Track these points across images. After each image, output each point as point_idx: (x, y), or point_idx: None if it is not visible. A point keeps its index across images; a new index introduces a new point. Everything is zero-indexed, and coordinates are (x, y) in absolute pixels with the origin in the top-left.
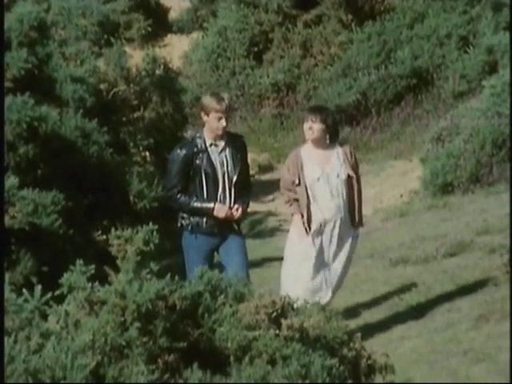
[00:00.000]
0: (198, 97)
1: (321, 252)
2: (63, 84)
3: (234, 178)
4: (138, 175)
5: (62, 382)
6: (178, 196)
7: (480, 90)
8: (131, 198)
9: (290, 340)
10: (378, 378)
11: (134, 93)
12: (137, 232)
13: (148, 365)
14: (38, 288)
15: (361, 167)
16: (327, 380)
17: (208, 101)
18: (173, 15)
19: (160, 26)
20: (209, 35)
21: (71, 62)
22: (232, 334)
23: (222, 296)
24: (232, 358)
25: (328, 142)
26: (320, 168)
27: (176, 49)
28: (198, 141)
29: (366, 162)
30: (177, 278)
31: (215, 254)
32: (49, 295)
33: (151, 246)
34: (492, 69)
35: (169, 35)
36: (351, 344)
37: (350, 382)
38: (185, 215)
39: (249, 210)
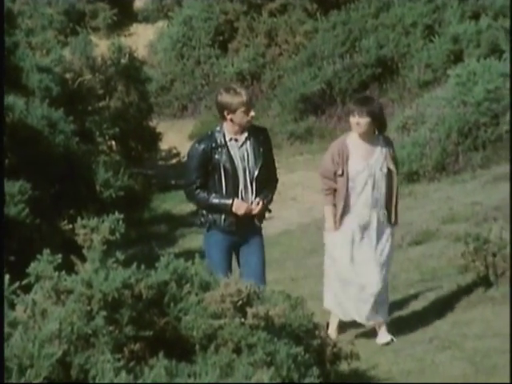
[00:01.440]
0: (163, 86)
1: (356, 249)
2: (30, 73)
3: (256, 173)
4: (104, 164)
5: (29, 370)
6: (197, 192)
7: (445, 79)
8: (97, 187)
9: (256, 328)
10: (344, 366)
11: (100, 82)
12: (103, 221)
13: (114, 353)
14: (6, 277)
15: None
16: (292, 368)
17: (229, 99)
18: (138, 4)
19: (125, 15)
20: (174, 24)
21: (37, 51)
22: (198, 322)
23: (188, 285)
24: (197, 346)
25: (372, 135)
26: (365, 160)
27: (141, 38)
28: (218, 135)
29: None
30: (143, 266)
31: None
32: (16, 284)
33: (117, 235)
34: (457, 58)
35: (134, 24)
36: (316, 332)
37: (315, 369)
38: (203, 212)
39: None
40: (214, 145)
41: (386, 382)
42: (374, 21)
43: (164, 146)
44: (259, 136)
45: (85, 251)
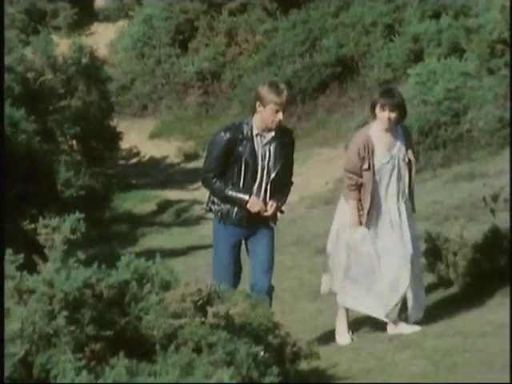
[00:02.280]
0: (123, 85)
1: (384, 242)
2: None
3: (272, 175)
4: (65, 164)
5: None
6: (214, 180)
7: (405, 78)
8: (59, 186)
9: (216, 328)
10: (303, 364)
11: (61, 81)
12: (64, 221)
13: (75, 353)
14: None
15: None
16: (252, 367)
17: (267, 92)
18: (99, 3)
19: (86, 14)
20: (134, 23)
21: None
22: (158, 322)
23: (149, 284)
24: (158, 345)
25: (393, 126)
26: (389, 152)
27: (102, 37)
28: (245, 127)
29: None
30: (103, 266)
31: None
32: None
33: (78, 234)
34: (417, 57)
35: (95, 23)
36: (276, 331)
37: (275, 368)
38: (215, 200)
39: (173, 198)
40: (240, 136)
41: (347, 382)
42: (333, 20)
43: (124, 145)
44: (284, 138)
45: (46, 251)
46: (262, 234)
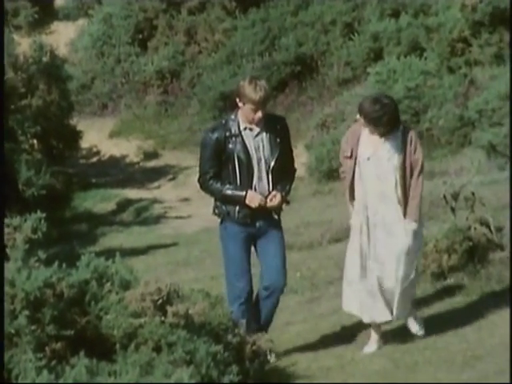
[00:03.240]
0: (83, 84)
1: (365, 242)
2: None
3: (272, 164)
4: (26, 163)
5: None
6: (210, 182)
7: (365, 76)
8: (20, 185)
9: (176, 327)
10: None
11: (22, 80)
12: (25, 220)
13: (36, 352)
14: None
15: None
16: (212, 366)
17: (245, 89)
18: (59, 2)
19: (46, 12)
20: (94, 22)
21: None
22: (118, 321)
23: (109, 284)
24: (118, 345)
25: (377, 133)
26: (373, 148)
27: (62, 36)
28: (232, 124)
29: None
30: (64, 266)
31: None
32: None
33: (39, 233)
34: (377, 56)
35: (55, 22)
36: (236, 330)
37: (234, 367)
38: (218, 203)
39: (133, 197)
40: (227, 134)
41: (307, 382)
42: (292, 19)
43: (85, 144)
44: (276, 125)
45: (8, 250)
46: (272, 233)
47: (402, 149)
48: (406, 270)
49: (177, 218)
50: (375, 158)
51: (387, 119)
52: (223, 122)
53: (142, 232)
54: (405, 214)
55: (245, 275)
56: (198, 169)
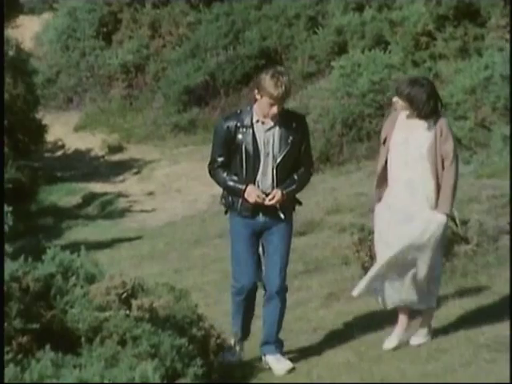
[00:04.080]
0: (48, 78)
1: (390, 226)
2: None
3: (278, 160)
4: None
5: None
6: (217, 171)
7: (329, 70)
8: None
9: (140, 320)
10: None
11: None
12: None
13: (2, 346)
14: None
15: (209, 147)
16: (176, 359)
17: (266, 83)
18: None
19: (11, 6)
20: (59, 16)
21: None
22: (83, 315)
23: (74, 277)
24: (83, 338)
25: (414, 116)
26: (404, 134)
27: (27, 30)
28: (246, 115)
29: None
30: (30, 259)
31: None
32: None
33: (6, 227)
34: (341, 49)
35: (20, 16)
36: (200, 323)
37: (199, 360)
38: (224, 193)
39: (98, 191)
40: (239, 124)
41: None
42: (256, 12)
43: (50, 138)
44: (292, 122)
45: None
46: (277, 229)
47: (433, 137)
48: (424, 261)
49: (141, 211)
50: (406, 144)
51: (427, 97)
52: (238, 111)
53: (106, 226)
54: (436, 206)
55: (249, 270)
56: (162, 163)
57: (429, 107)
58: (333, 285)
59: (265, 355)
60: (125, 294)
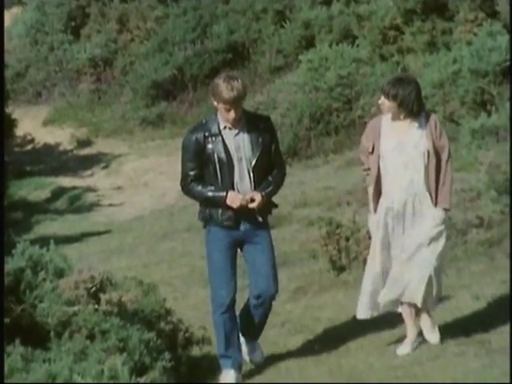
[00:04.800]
0: (18, 72)
1: (391, 236)
2: None
3: (253, 163)
4: None
5: None
6: (192, 185)
7: (297, 64)
8: None
9: (109, 314)
10: (196, 350)
11: None
12: None
13: None
14: None
15: (177, 141)
16: (145, 353)
17: (218, 88)
18: None
19: None
20: (28, 10)
21: None
22: (52, 309)
23: (43, 272)
24: (52, 333)
25: (402, 117)
26: (397, 138)
27: None
28: (212, 124)
29: (183, 136)
30: None
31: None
32: None
33: None
34: (309, 43)
35: None
36: (168, 317)
37: (167, 354)
38: (201, 207)
39: (67, 185)
40: (207, 134)
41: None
42: (224, 6)
43: (19, 132)
44: (259, 124)
45: None
46: (259, 238)
47: (428, 134)
48: (429, 258)
49: (110, 205)
50: (401, 147)
51: (415, 96)
52: (203, 121)
53: (75, 220)
54: (436, 202)
55: (228, 283)
56: (130, 157)
57: (419, 105)
58: (301, 279)
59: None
60: (93, 289)
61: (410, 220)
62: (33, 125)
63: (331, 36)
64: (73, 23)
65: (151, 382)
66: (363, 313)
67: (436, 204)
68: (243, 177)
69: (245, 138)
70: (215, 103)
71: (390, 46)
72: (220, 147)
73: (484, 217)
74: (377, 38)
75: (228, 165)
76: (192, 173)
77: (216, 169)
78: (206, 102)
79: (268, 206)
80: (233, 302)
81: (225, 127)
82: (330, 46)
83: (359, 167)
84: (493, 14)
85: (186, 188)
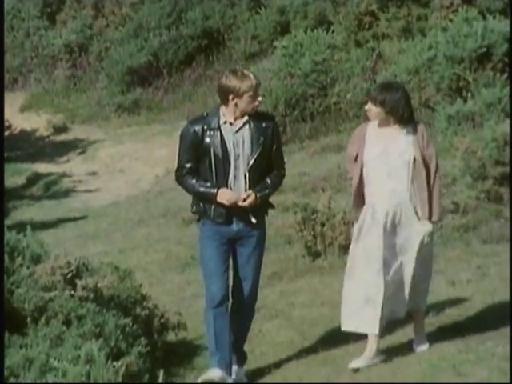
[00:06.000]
0: None
1: (371, 245)
2: None
3: (251, 162)
4: None
5: None
6: (185, 177)
7: (272, 50)
8: None
9: (85, 300)
10: (171, 336)
11: None
12: None
13: None
14: None
15: (153, 128)
16: (121, 338)
17: (238, 82)
18: None
19: None
20: None
21: None
22: (29, 295)
23: (20, 257)
24: (29, 318)
25: (393, 123)
26: (381, 145)
27: None
28: (212, 117)
29: (159, 122)
30: None
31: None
32: None
33: None
34: (284, 29)
35: None
36: (144, 303)
37: (143, 339)
38: (195, 200)
39: (43, 171)
40: (205, 127)
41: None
42: None
43: None
44: (262, 123)
45: None
46: (250, 241)
47: (414, 143)
48: (416, 269)
49: (85, 191)
50: (384, 155)
51: (404, 102)
52: (205, 114)
53: (51, 206)
54: (424, 214)
55: (219, 279)
56: (106, 143)
57: (408, 111)
58: (276, 264)
59: None
60: (70, 274)
61: (392, 230)
62: (9, 111)
63: (306, 22)
64: (49, 9)
65: (127, 366)
66: (347, 324)
67: (423, 216)
68: (238, 176)
69: (245, 136)
70: (237, 99)
71: (365, 32)
72: (217, 142)
73: (459, 202)
74: (352, 23)
75: (224, 161)
76: (187, 165)
77: (212, 164)
78: (181, 88)
79: (264, 207)
80: (224, 298)
81: (225, 122)
82: (305, 32)
83: (334, 154)
84: (468, 1)
85: (179, 179)
